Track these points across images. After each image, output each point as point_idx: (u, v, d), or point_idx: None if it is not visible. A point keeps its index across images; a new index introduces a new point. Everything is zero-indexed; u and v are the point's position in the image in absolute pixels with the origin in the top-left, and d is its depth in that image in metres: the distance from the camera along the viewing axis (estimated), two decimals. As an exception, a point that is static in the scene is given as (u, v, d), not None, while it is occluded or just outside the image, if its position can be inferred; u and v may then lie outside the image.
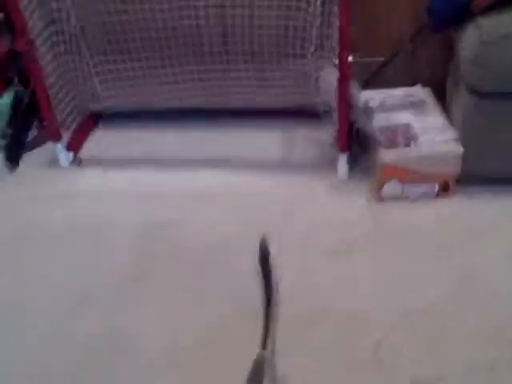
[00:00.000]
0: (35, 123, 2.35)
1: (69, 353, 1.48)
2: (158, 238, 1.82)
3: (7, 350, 1.51)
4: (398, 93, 2.10)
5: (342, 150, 1.97)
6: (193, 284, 1.66)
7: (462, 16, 1.80)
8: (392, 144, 1.85)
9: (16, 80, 2.31)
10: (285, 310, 1.54)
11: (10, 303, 1.65)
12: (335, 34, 1.88)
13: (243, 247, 1.73)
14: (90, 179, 2.11)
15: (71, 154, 2.19)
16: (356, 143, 2.05)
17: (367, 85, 2.09)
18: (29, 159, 2.24)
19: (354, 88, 1.90)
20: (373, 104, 2.03)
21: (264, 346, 1.42)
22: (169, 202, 1.96)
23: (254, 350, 1.39)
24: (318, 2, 1.97)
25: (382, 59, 2.16)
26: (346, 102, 1.88)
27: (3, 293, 1.68)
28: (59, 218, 1.93)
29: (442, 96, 2.07)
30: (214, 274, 1.68)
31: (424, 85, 2.13)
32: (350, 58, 1.80)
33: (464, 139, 1.82)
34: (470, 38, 1.73)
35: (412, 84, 2.14)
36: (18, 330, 1.56)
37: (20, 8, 1.92)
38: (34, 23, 2.01)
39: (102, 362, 1.45)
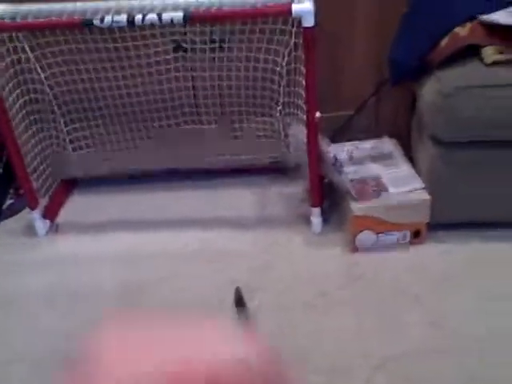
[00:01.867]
0: (11, 191, 2.36)
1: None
2: (139, 299, 1.82)
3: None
4: (366, 145, 2.15)
5: (315, 204, 2.00)
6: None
7: (419, 69, 1.88)
8: (363, 196, 1.89)
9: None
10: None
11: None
12: (302, 92, 1.95)
13: (223, 303, 1.75)
14: (68, 245, 2.11)
15: (48, 221, 2.19)
16: (328, 196, 2.10)
17: (335, 139, 2.15)
18: (4, 228, 2.23)
19: (322, 142, 1.95)
20: (342, 157, 2.08)
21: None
22: (148, 263, 1.97)
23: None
24: (285, 62, 2.04)
25: (348, 113, 2.22)
26: (315, 157, 1.91)
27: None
28: (37, 284, 1.92)
29: (407, 146, 2.12)
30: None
31: (390, 136, 2.19)
32: (318, 114, 1.85)
33: (431, 187, 1.88)
34: (431, 90, 1.79)
35: (378, 136, 2.20)
36: None
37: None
38: (8, 93, 2.04)
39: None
